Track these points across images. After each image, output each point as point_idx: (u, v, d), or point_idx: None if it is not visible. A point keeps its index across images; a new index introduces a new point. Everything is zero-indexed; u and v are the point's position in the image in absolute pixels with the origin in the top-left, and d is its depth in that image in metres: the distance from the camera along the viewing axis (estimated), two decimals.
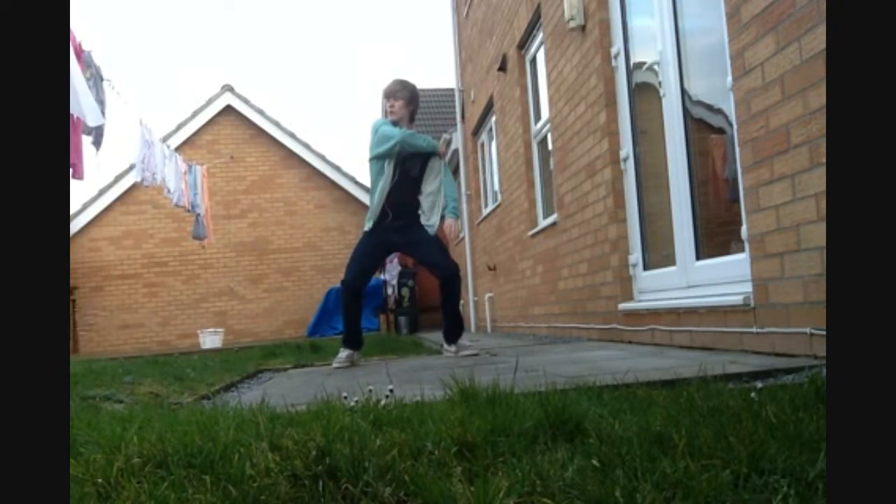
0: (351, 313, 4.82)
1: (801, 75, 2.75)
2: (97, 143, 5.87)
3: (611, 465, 1.35)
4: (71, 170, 5.37)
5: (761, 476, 1.25)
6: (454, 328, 4.79)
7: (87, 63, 5.76)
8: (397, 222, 4.71)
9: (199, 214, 10.65)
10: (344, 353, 4.72)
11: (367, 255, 4.85)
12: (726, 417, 1.63)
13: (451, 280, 4.72)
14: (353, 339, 4.79)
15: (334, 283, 13.91)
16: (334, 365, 4.69)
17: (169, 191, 9.30)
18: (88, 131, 5.69)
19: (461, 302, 5.18)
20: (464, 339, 4.79)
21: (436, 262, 4.74)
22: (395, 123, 4.73)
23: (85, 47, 5.76)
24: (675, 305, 4.06)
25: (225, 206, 13.92)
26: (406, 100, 4.79)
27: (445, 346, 4.82)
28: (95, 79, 5.93)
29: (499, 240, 9.19)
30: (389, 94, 4.82)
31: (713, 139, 4.02)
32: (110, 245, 13.75)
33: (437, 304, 4.89)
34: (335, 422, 1.71)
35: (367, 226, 4.78)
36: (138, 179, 8.50)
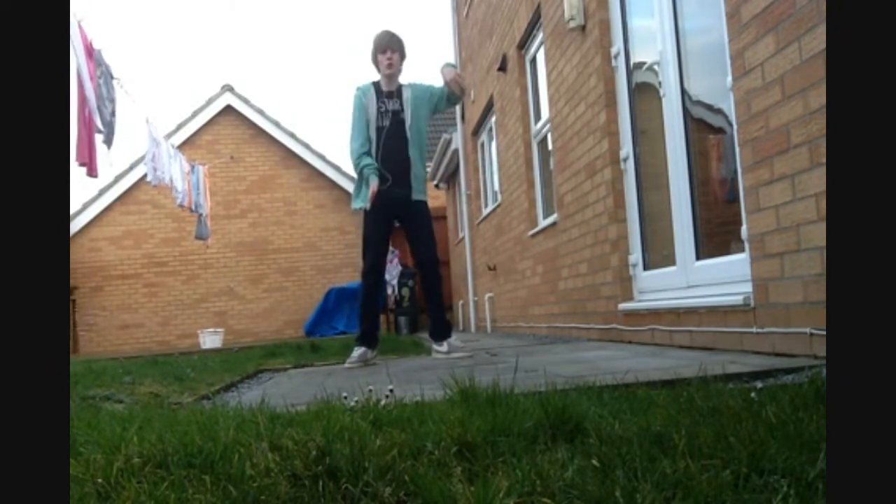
0: (370, 305, 4.69)
1: (801, 75, 2.75)
2: (108, 141, 5.88)
3: (611, 465, 1.35)
4: (85, 168, 5.40)
5: (761, 476, 1.25)
6: (438, 325, 4.66)
7: (97, 61, 5.78)
8: (398, 190, 4.61)
9: (201, 214, 10.64)
10: (357, 353, 4.56)
11: (378, 239, 4.68)
12: (726, 417, 1.63)
13: (425, 266, 4.62)
14: (369, 336, 4.65)
15: (334, 282, 13.91)
16: (346, 365, 4.55)
17: (176, 190, 9.30)
18: (99, 129, 5.71)
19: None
20: (455, 340, 4.68)
21: (419, 244, 4.64)
22: (392, 76, 4.65)
23: (95, 45, 5.77)
24: (675, 305, 4.06)
25: (225, 206, 13.92)
26: (402, 53, 4.70)
27: (435, 345, 4.68)
28: (106, 76, 5.94)
29: (499, 240, 9.19)
30: (387, 47, 4.63)
31: (712, 139, 4.02)
32: (110, 245, 13.75)
33: None
34: (335, 422, 1.71)
35: (363, 203, 4.61)
36: (149, 179, 8.52)
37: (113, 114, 5.99)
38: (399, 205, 4.65)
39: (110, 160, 6.41)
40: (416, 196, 4.65)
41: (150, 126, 8.30)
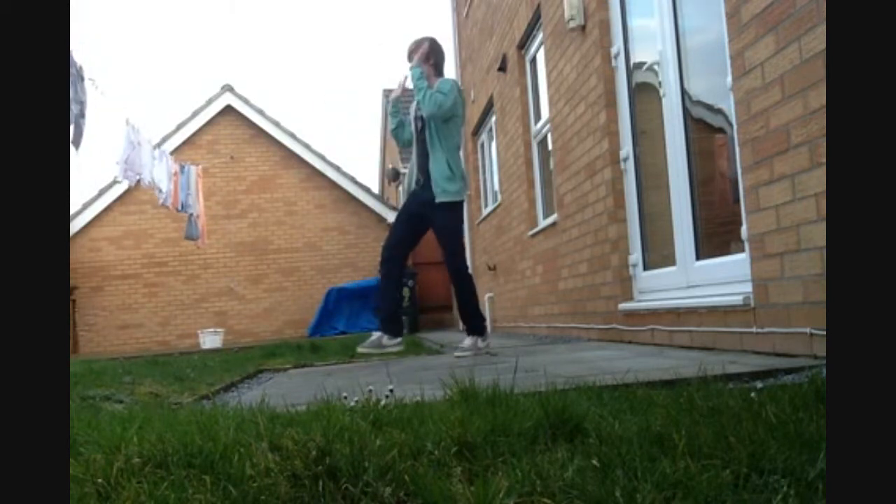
0: (385, 287, 4.77)
1: (801, 75, 2.75)
2: (76, 142, 5.88)
3: (611, 465, 1.35)
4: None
5: (761, 476, 1.25)
6: (467, 323, 4.79)
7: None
8: (427, 193, 4.70)
9: (191, 214, 10.62)
10: (372, 336, 4.69)
11: (402, 222, 4.85)
12: (726, 417, 1.63)
13: (449, 275, 4.72)
14: (384, 321, 4.71)
15: (334, 283, 13.90)
16: (359, 349, 4.66)
17: (160, 190, 9.30)
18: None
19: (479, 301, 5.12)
20: (468, 341, 4.68)
21: (442, 253, 4.75)
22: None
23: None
24: (675, 305, 4.06)
25: (225, 206, 13.91)
26: (422, 55, 4.79)
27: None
28: (76, 77, 5.93)
29: (499, 240, 9.19)
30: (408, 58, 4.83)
31: (712, 139, 4.02)
32: (110, 245, 13.74)
33: (437, 304, 4.88)
34: (335, 422, 1.71)
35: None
36: (120, 179, 8.54)
37: (82, 115, 5.98)
38: (425, 207, 4.73)
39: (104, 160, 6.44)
40: (437, 199, 4.67)
41: (128, 128, 8.31)
